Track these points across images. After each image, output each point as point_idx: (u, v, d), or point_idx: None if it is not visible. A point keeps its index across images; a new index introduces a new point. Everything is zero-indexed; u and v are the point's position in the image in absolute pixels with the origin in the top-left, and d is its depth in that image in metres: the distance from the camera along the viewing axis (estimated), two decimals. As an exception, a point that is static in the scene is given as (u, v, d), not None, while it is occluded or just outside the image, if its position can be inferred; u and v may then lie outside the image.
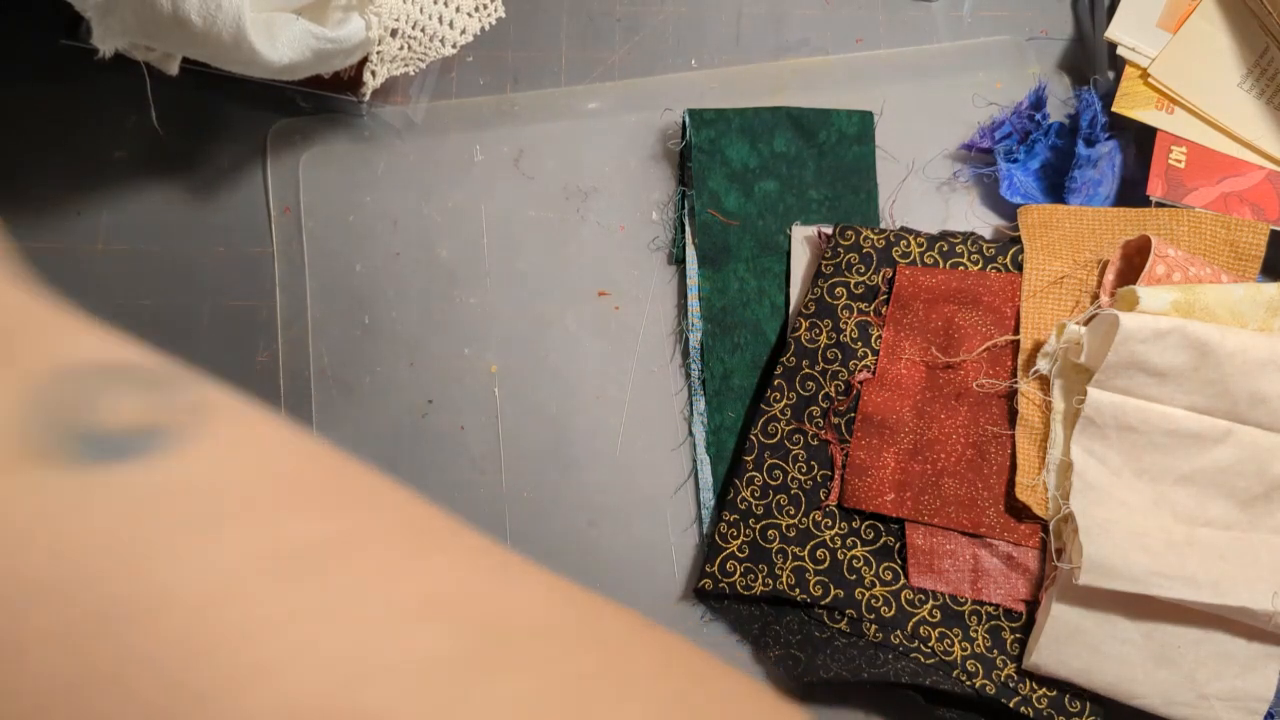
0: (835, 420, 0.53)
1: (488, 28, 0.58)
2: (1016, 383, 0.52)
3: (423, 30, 0.54)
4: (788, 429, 0.53)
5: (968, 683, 0.49)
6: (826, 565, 0.51)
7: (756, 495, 0.52)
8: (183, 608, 0.15)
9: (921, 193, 0.58)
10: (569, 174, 0.58)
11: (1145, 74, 0.57)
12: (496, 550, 0.20)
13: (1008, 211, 0.57)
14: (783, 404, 0.53)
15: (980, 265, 0.54)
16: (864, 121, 0.58)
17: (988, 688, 0.49)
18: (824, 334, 0.53)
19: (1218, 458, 0.48)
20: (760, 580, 0.51)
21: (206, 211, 0.57)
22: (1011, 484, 0.50)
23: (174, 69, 0.50)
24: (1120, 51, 0.57)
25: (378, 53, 0.53)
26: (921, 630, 0.50)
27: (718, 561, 0.51)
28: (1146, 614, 0.48)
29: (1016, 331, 0.52)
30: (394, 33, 0.53)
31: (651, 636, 0.20)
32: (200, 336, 0.55)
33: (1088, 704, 0.49)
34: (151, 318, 0.55)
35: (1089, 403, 0.49)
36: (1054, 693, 0.49)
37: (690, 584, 0.53)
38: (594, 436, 0.54)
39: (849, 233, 0.54)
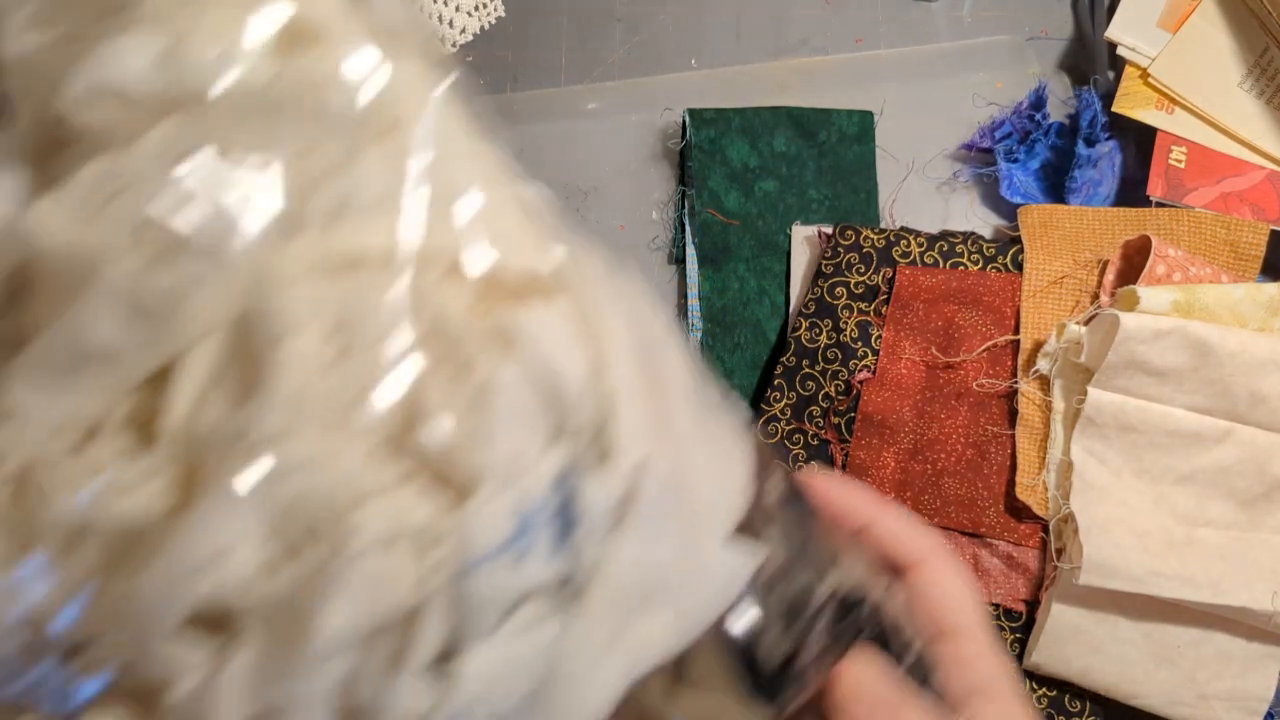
0: (835, 420, 0.53)
1: (487, 27, 0.58)
2: (1016, 383, 0.51)
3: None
4: (788, 429, 0.53)
5: (968, 683, 0.49)
6: (826, 565, 0.51)
7: (756, 495, 0.52)
8: None
9: (921, 192, 0.58)
10: (569, 174, 0.58)
11: (1145, 74, 0.57)
12: None
13: (1008, 211, 0.57)
14: (783, 404, 0.53)
15: (980, 265, 0.54)
16: (864, 121, 0.58)
17: (988, 688, 0.49)
18: (824, 334, 0.53)
19: (1218, 457, 0.48)
20: (760, 580, 0.51)
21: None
22: (1012, 484, 0.50)
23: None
24: (1120, 51, 0.57)
25: (378, 52, 0.53)
26: (921, 630, 0.50)
27: (718, 561, 0.51)
28: (1146, 614, 0.48)
29: (1016, 331, 0.52)
30: (394, 32, 0.53)
31: None
32: (200, 336, 0.55)
33: (1088, 704, 0.49)
34: (151, 317, 0.55)
35: (1089, 402, 0.49)
36: (1054, 693, 0.49)
37: (690, 584, 0.53)
38: (594, 436, 0.54)
39: (849, 232, 0.54)
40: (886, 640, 0.26)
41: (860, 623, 0.25)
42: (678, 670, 0.21)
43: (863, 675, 0.25)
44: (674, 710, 0.21)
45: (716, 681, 0.22)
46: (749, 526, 0.23)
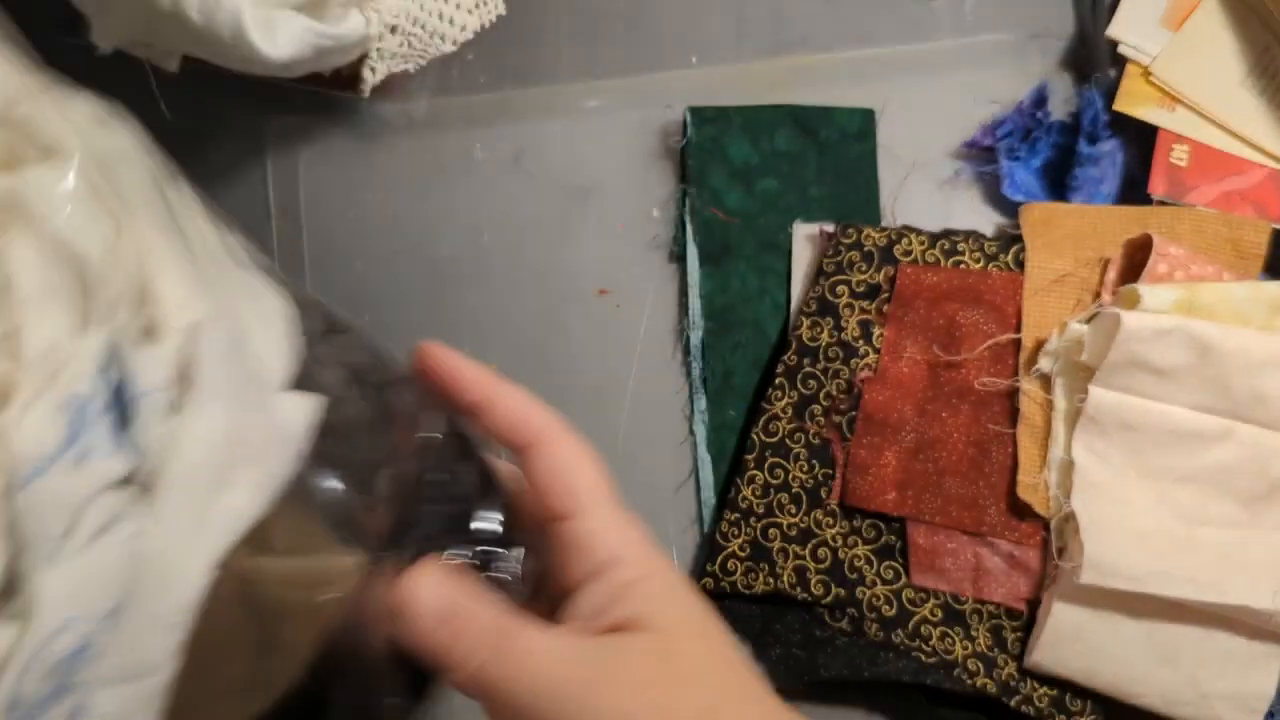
0: (837, 419, 0.52)
1: (488, 24, 0.57)
2: (1018, 381, 0.51)
3: (423, 27, 0.54)
4: (789, 427, 0.53)
5: (969, 682, 0.49)
6: (828, 564, 0.51)
7: (757, 494, 0.52)
8: None
9: (923, 191, 0.58)
10: (569, 172, 0.58)
11: (1147, 72, 0.57)
12: None
13: (1010, 209, 0.57)
14: (784, 402, 0.53)
15: (982, 263, 0.54)
16: (865, 119, 0.58)
17: (989, 687, 0.49)
18: (826, 332, 0.53)
19: (1219, 457, 0.48)
20: (761, 579, 0.51)
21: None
22: (1013, 483, 0.50)
23: (173, 66, 0.50)
24: (1122, 49, 0.57)
25: (377, 50, 0.53)
26: (923, 629, 0.50)
27: (719, 560, 0.51)
28: (1148, 613, 0.48)
29: (1018, 330, 0.52)
30: (394, 29, 0.53)
31: None
32: (200, 335, 0.55)
33: (1088, 703, 0.49)
34: (151, 316, 0.55)
35: (1090, 401, 0.49)
36: (1055, 692, 0.49)
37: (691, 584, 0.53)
38: (594, 435, 0.54)
39: (850, 231, 0.54)
40: (468, 511, 0.25)
41: (437, 479, 0.24)
42: (266, 535, 0.20)
43: (423, 581, 0.23)
44: (274, 573, 0.20)
45: (306, 540, 0.21)
46: (310, 381, 0.22)
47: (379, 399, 0.24)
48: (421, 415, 0.25)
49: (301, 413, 0.21)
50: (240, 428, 0.19)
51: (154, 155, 0.20)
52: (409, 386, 0.26)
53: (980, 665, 0.49)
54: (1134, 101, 0.56)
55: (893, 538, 0.51)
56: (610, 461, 0.54)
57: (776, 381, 0.53)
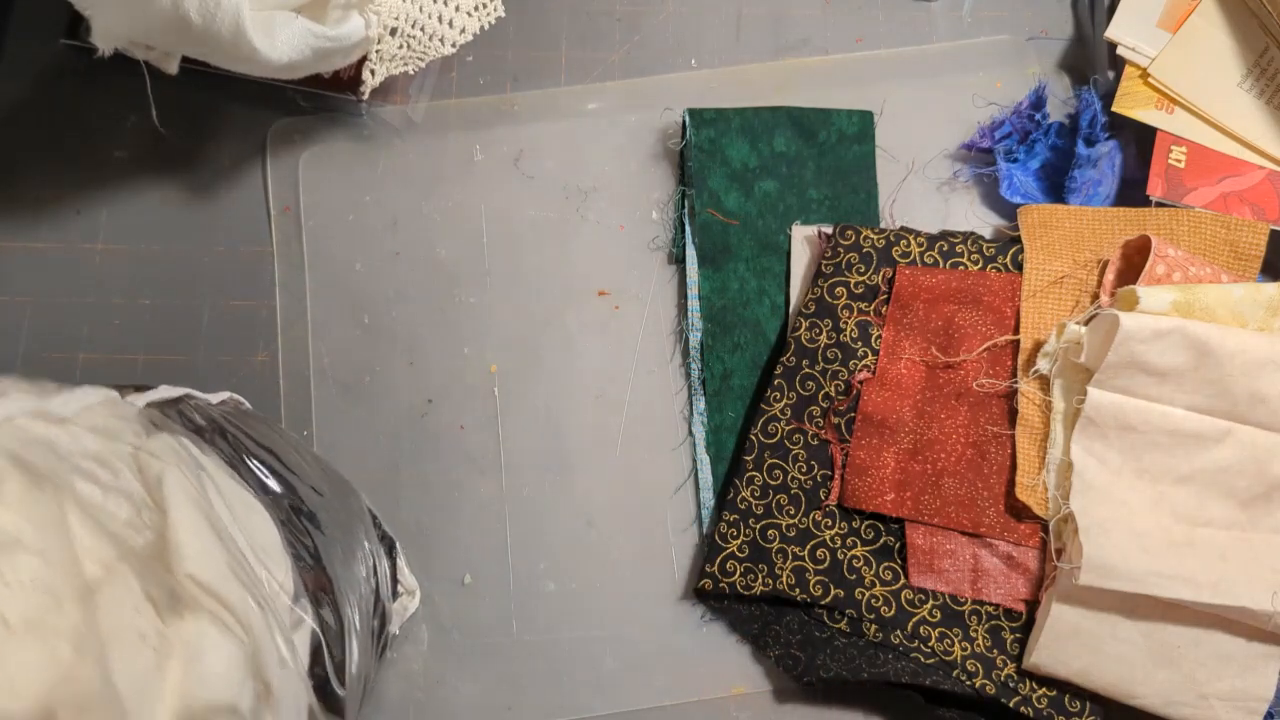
0: (835, 420, 0.53)
1: (487, 27, 0.58)
2: (1016, 382, 0.51)
3: (422, 29, 0.54)
4: (788, 429, 0.53)
5: (968, 682, 0.49)
6: (826, 565, 0.51)
7: (756, 495, 0.52)
8: None
9: (921, 192, 0.58)
10: (569, 174, 0.58)
11: (1145, 74, 0.57)
12: None
13: (1008, 211, 0.57)
14: (783, 404, 0.53)
15: (980, 265, 0.54)
16: (864, 121, 0.58)
17: (988, 687, 0.49)
18: (824, 334, 0.53)
19: (1218, 457, 0.48)
20: (760, 580, 0.51)
21: (206, 211, 0.57)
22: (1011, 484, 0.50)
23: (173, 68, 0.50)
24: (1120, 51, 0.57)
25: (377, 52, 0.53)
26: (921, 630, 0.50)
27: (718, 561, 0.51)
28: (1146, 614, 0.48)
29: (1016, 331, 0.52)
30: (393, 31, 0.53)
31: None
32: (200, 336, 0.55)
33: (1087, 704, 0.49)
34: (151, 318, 0.55)
35: (1089, 402, 0.49)
36: (1054, 693, 0.49)
37: (690, 584, 0.53)
38: (594, 436, 0.54)
39: (849, 232, 0.54)
40: None
41: None
42: None
43: None
44: None
45: None
46: None
47: None
48: None
49: None
50: None
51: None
52: None
53: (979, 666, 0.49)
54: (1132, 103, 0.56)
55: (891, 539, 0.51)
56: (609, 463, 0.54)
57: (775, 383, 0.53)
